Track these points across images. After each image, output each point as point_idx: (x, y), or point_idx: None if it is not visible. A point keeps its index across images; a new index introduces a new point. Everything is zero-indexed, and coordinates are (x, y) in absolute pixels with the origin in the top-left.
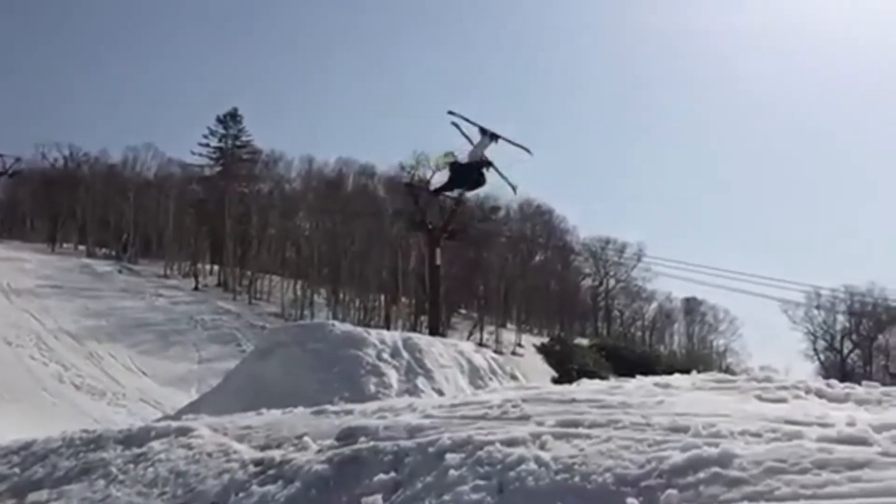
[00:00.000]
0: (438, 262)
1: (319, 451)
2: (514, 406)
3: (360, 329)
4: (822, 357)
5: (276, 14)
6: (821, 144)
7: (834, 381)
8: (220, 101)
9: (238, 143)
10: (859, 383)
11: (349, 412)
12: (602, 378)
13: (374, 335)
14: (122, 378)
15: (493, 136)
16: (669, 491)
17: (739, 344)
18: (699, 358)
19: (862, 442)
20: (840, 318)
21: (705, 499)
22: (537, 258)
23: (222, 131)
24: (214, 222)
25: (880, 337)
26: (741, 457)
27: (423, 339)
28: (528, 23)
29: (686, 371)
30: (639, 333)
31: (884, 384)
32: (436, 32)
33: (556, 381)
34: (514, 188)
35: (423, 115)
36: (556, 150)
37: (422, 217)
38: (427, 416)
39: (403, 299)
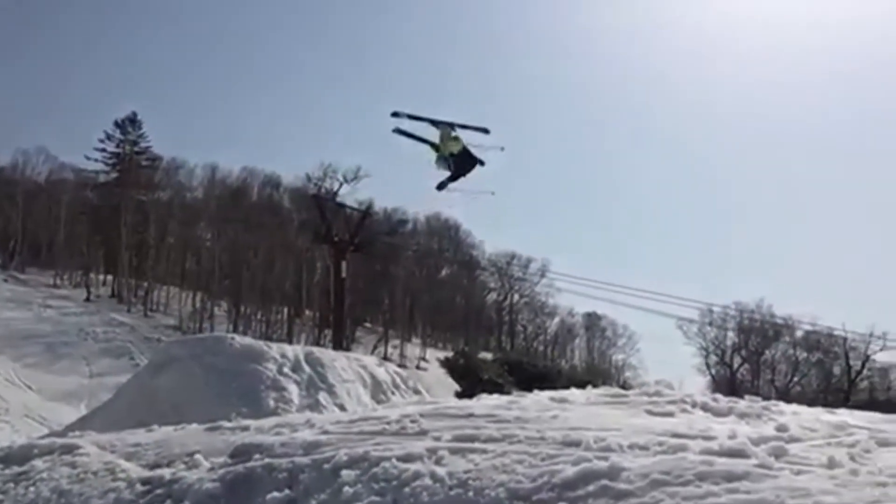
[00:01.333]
0: (344, 274)
1: (211, 468)
2: (412, 421)
3: (260, 343)
4: (713, 371)
5: (183, 17)
6: (712, 164)
7: (719, 396)
8: (118, 104)
9: (137, 148)
10: (743, 397)
11: (245, 428)
12: (505, 392)
13: (275, 349)
14: (6, 392)
15: (450, 125)
16: None
17: (637, 359)
18: (599, 372)
19: (741, 454)
20: (731, 334)
21: None
22: (444, 272)
23: (120, 136)
24: (109, 230)
25: (767, 352)
26: (629, 470)
27: (325, 354)
28: (423, 28)
29: (586, 385)
30: (541, 348)
31: (769, 398)
32: (345, 41)
33: (459, 395)
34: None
35: (331, 126)
36: None
37: (327, 229)
38: (324, 433)
39: (307, 312)
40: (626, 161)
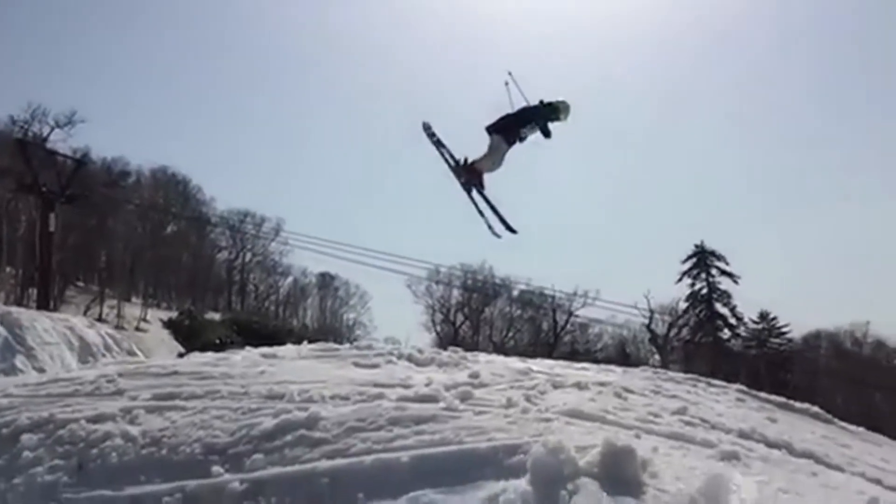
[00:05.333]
0: (52, 228)
1: None
2: (108, 381)
3: None
4: (438, 329)
5: None
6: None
7: (424, 348)
8: None
9: None
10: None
11: None
12: None
13: None
14: None
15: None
16: (256, 455)
17: (368, 317)
18: (330, 331)
19: (433, 399)
20: (455, 292)
21: (289, 459)
22: (170, 229)
23: None
24: None
25: (487, 310)
26: (327, 419)
27: (25, 314)
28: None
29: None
30: (273, 307)
31: (487, 351)
32: None
33: (182, 357)
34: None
35: (36, 64)
36: (198, 116)
37: (34, 179)
38: (6, 396)
39: (8, 269)
40: (358, 117)
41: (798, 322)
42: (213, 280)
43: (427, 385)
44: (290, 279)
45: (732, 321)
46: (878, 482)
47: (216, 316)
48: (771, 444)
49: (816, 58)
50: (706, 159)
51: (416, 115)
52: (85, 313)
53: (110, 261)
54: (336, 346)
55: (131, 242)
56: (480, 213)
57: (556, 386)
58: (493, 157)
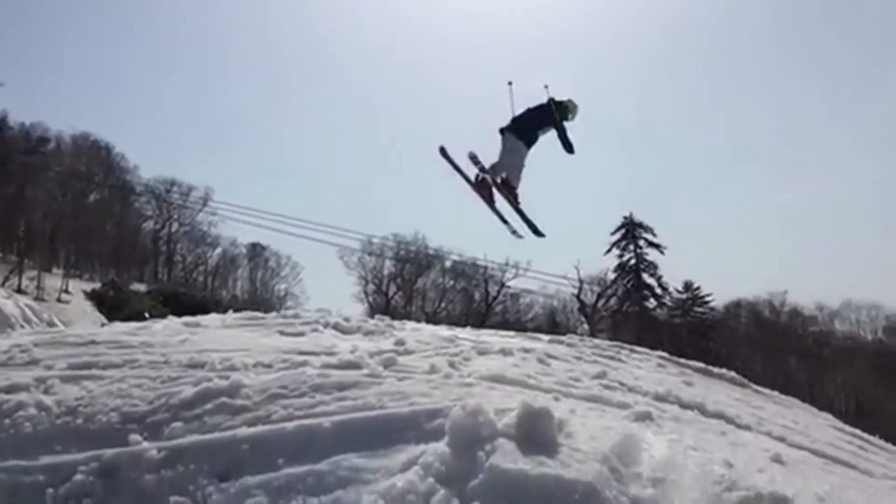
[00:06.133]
0: None
1: None
2: (22, 351)
3: None
4: (370, 299)
5: None
6: (369, 96)
7: (351, 316)
8: None
9: None
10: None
11: None
12: None
13: None
14: None
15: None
16: (175, 424)
17: (300, 288)
18: (261, 302)
19: (357, 366)
20: (388, 263)
21: (209, 427)
22: (92, 197)
23: None
24: None
25: (420, 280)
26: (248, 386)
27: None
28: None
29: None
30: (201, 278)
31: (419, 321)
32: None
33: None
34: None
35: None
36: (120, 81)
37: None
38: None
39: None
40: (287, 84)
41: (720, 292)
42: (139, 250)
43: (352, 353)
44: (219, 250)
45: (658, 291)
46: (782, 440)
47: (142, 287)
48: (685, 406)
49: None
50: (635, 132)
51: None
52: (3, 284)
53: (30, 230)
54: (262, 315)
55: (52, 211)
56: (504, 220)
57: (480, 353)
58: (516, 163)
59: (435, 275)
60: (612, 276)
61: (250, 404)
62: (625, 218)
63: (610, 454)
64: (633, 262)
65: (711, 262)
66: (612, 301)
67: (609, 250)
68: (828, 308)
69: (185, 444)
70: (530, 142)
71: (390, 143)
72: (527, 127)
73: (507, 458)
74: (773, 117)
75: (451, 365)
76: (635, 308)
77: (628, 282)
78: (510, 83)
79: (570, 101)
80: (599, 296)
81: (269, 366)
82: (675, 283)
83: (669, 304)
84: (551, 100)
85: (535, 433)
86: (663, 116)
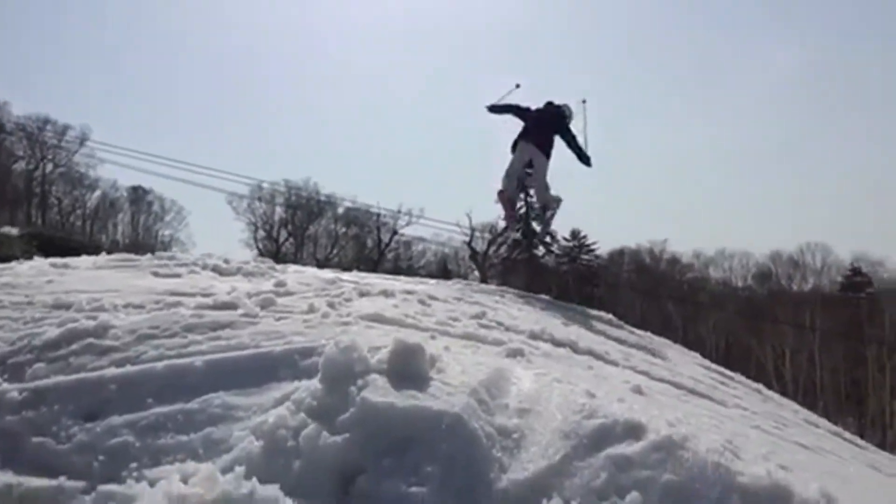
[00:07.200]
0: None
1: None
2: None
3: None
4: (261, 245)
5: None
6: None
7: (231, 258)
8: None
9: None
10: None
11: None
12: None
13: None
14: None
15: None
16: (38, 365)
17: (186, 234)
18: (144, 247)
19: (233, 307)
20: (279, 209)
21: (74, 368)
22: None
23: None
24: None
25: (311, 227)
26: (118, 327)
27: None
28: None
29: None
30: (79, 222)
31: (308, 265)
32: None
33: None
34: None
35: None
36: None
37: None
38: None
39: None
40: (172, 20)
41: (605, 240)
42: (10, 192)
43: (229, 293)
44: (98, 193)
45: (547, 239)
46: (646, 374)
47: (14, 230)
48: (557, 343)
49: None
50: (534, 83)
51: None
52: None
53: None
54: (136, 256)
55: None
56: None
57: (362, 294)
58: (546, 184)
59: (327, 221)
60: (502, 223)
61: (119, 345)
62: None
63: (479, 387)
64: (523, 210)
65: (597, 212)
66: (503, 249)
67: None
68: (704, 256)
69: (48, 384)
70: (549, 155)
71: (282, 87)
72: (546, 141)
73: (378, 392)
74: (655, 69)
75: (331, 305)
76: (525, 255)
77: (518, 230)
78: (518, 86)
79: (566, 105)
80: (490, 243)
81: (140, 306)
82: (563, 231)
83: (557, 252)
84: (549, 103)
85: (407, 368)
86: (557, 69)
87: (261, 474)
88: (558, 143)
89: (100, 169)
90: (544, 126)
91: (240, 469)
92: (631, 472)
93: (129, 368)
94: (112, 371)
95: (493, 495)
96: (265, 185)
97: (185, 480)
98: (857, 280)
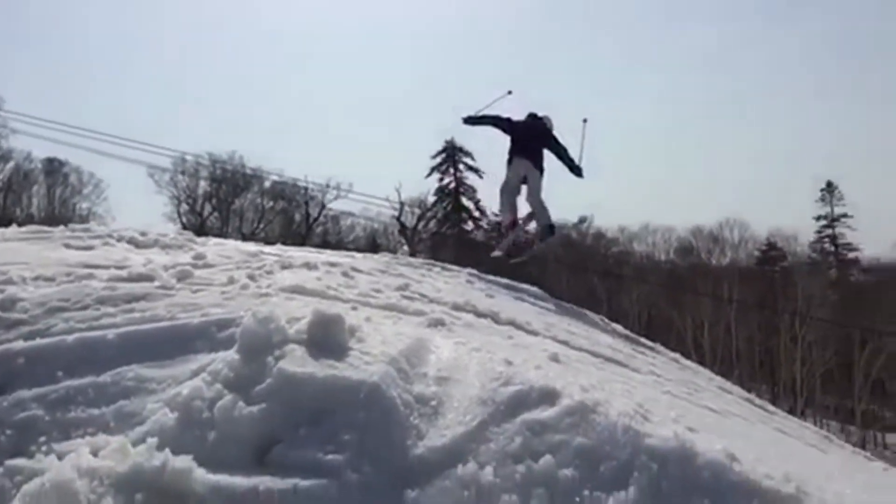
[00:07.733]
0: None
1: None
2: None
3: None
4: (184, 220)
5: None
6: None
7: (149, 231)
8: None
9: None
10: None
11: None
12: None
13: None
14: None
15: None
16: None
17: (105, 207)
18: (60, 221)
19: (149, 279)
20: (203, 183)
21: None
22: None
23: None
24: None
25: (237, 201)
26: (26, 300)
27: None
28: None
29: None
30: None
31: (233, 240)
32: None
33: None
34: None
35: None
36: None
37: None
38: None
39: None
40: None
41: None
42: None
43: (144, 266)
44: (11, 164)
45: (476, 214)
46: (565, 343)
47: None
48: (479, 314)
49: None
50: (459, 56)
51: None
52: None
53: None
54: (48, 228)
55: None
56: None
57: (284, 266)
58: (537, 196)
59: (253, 196)
60: (432, 198)
61: (27, 318)
62: (446, 142)
63: (398, 356)
64: (452, 185)
65: None
66: (432, 223)
67: (430, 174)
68: (629, 231)
69: None
70: (543, 170)
71: (206, 56)
72: (538, 156)
73: (296, 362)
74: (575, 46)
75: (251, 277)
76: (454, 230)
77: (447, 205)
78: (510, 92)
79: (546, 116)
80: (419, 218)
81: (50, 279)
82: (491, 206)
83: (486, 226)
84: (532, 115)
85: (327, 339)
86: (471, 49)
87: (174, 446)
88: (548, 154)
89: (12, 140)
90: (534, 140)
91: (152, 441)
92: (545, 437)
93: (38, 341)
94: (20, 344)
95: (410, 461)
96: (188, 157)
97: (95, 453)
98: (772, 254)
